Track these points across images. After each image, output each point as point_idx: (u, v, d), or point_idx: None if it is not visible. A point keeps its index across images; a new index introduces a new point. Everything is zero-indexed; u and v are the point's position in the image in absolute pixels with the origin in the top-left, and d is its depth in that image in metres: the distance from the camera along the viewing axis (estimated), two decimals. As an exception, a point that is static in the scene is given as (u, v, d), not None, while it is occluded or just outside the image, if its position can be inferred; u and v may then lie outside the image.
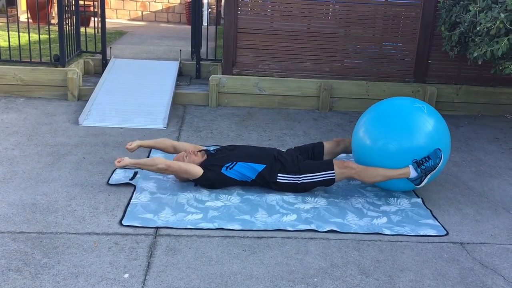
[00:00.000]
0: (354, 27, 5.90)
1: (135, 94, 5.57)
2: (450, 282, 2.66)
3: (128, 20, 12.40)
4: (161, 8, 12.56)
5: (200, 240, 2.91)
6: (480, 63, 4.96)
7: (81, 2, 7.05)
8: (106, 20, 6.58)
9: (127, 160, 3.50)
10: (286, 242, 2.95)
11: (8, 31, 6.10)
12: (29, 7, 9.22)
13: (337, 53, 6.02)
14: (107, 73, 6.07)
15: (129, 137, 4.56)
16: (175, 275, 2.58)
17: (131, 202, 3.32)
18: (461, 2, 5.16)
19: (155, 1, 12.51)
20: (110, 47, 7.06)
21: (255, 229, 3.07)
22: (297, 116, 5.61)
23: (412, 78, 6.06)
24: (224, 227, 3.06)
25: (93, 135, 4.56)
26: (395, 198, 3.58)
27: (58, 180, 3.59)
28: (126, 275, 2.55)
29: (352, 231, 3.10)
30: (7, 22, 6.26)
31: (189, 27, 8.70)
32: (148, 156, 4.12)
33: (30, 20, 9.07)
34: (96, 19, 7.13)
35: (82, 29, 6.89)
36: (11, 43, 6.11)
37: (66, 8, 6.09)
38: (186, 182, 3.63)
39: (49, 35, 6.07)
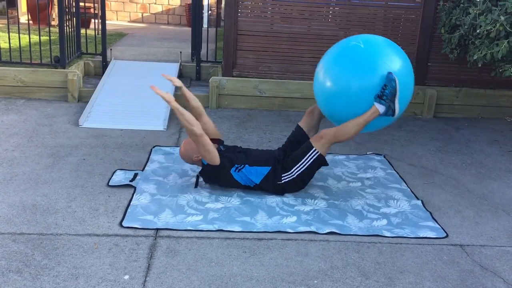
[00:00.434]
0: (354, 30, 5.89)
1: (135, 96, 5.58)
2: (450, 284, 2.66)
3: (128, 22, 12.41)
4: (161, 10, 12.57)
5: (200, 242, 2.92)
6: (480, 65, 4.97)
7: (81, 4, 7.06)
8: (107, 22, 6.58)
9: (171, 97, 3.36)
10: (286, 244, 2.95)
11: (8, 33, 6.10)
12: (29, 9, 9.24)
13: (337, 55, 6.02)
14: (107, 74, 6.08)
15: (129, 138, 4.57)
16: (175, 276, 2.58)
17: (131, 203, 3.32)
18: (461, 5, 5.17)
19: (155, 3, 12.53)
20: (111, 49, 7.07)
21: (255, 230, 3.07)
22: (297, 118, 5.59)
23: (412, 80, 6.06)
24: (224, 229, 3.06)
25: (93, 137, 4.57)
26: (395, 200, 3.58)
27: (58, 182, 3.59)
28: (126, 277, 2.55)
29: (352, 233, 3.10)
30: (8, 24, 6.25)
31: (189, 29, 8.71)
32: (148, 156, 4.12)
33: (31, 22, 9.07)
34: (96, 20, 7.14)
35: (82, 31, 6.90)
36: (11, 45, 6.12)
37: (67, 9, 6.10)
38: (191, 165, 3.72)
39: (50, 36, 6.07)
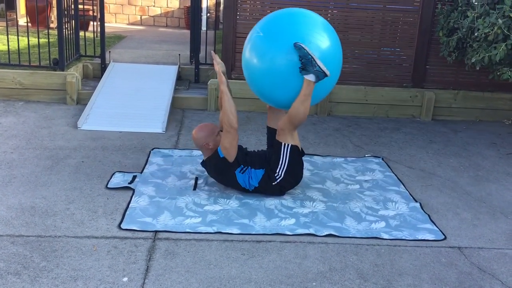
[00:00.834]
0: (352, 33, 5.91)
1: (134, 98, 5.58)
2: (448, 287, 2.67)
3: (127, 24, 12.41)
4: (160, 12, 12.58)
5: (198, 244, 2.92)
6: (478, 68, 4.99)
7: (80, 6, 7.06)
8: (105, 24, 6.59)
9: (224, 79, 3.50)
10: (284, 246, 2.95)
11: (7, 35, 6.10)
12: (28, 11, 9.24)
13: (335, 58, 6.03)
14: (106, 77, 6.08)
15: (128, 141, 4.57)
16: (173, 278, 2.58)
17: (130, 205, 3.32)
18: (459, 8, 5.19)
19: (154, 6, 12.54)
20: (109, 51, 7.07)
21: (253, 233, 3.07)
22: (296, 120, 5.62)
23: (410, 83, 6.08)
24: (222, 231, 3.06)
25: (92, 139, 4.57)
26: (393, 203, 3.59)
27: (57, 184, 3.59)
28: (125, 279, 2.55)
29: (350, 236, 3.11)
30: (6, 26, 6.26)
31: (188, 31, 8.71)
32: (147, 159, 4.12)
33: (30, 24, 9.08)
34: (95, 23, 7.15)
35: (81, 33, 6.90)
36: (10, 47, 6.12)
37: (66, 12, 6.10)
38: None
39: (48, 39, 6.07)
